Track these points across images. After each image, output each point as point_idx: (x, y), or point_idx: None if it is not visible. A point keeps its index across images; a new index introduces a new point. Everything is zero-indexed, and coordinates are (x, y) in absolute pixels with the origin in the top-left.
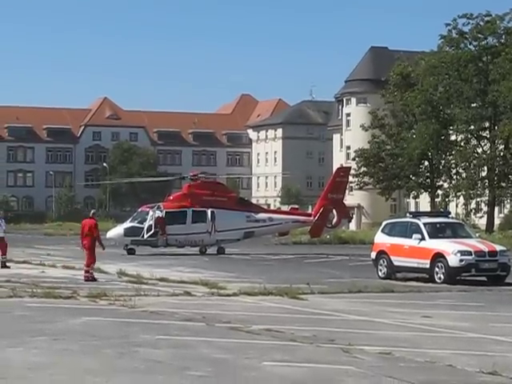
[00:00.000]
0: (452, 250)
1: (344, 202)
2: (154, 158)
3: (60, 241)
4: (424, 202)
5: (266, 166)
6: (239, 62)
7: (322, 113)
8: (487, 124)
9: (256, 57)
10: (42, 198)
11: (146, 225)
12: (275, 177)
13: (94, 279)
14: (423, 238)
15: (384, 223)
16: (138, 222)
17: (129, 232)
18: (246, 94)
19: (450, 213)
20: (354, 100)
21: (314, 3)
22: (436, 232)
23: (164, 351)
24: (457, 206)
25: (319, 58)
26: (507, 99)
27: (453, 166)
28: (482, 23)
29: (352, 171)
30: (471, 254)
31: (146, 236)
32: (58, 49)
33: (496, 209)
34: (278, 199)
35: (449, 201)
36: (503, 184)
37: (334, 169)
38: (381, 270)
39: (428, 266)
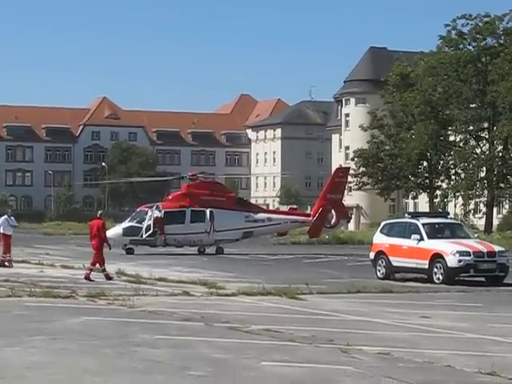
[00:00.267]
0: (451, 250)
1: (343, 202)
2: (152, 157)
3: (59, 240)
4: (423, 202)
5: (265, 166)
6: (238, 62)
7: (321, 113)
8: (486, 124)
9: (255, 57)
10: (40, 197)
11: (145, 224)
12: (274, 177)
13: (90, 280)
14: (422, 239)
15: (383, 223)
16: (137, 222)
17: (127, 232)
18: (245, 94)
19: (448, 213)
20: (353, 100)
21: (314, 3)
22: (435, 232)
23: (163, 351)
24: (455, 206)
25: (318, 58)
26: (506, 100)
27: (451, 166)
28: (481, 24)
29: (351, 171)
30: (470, 255)
31: (144, 236)
32: (58, 48)
33: (495, 209)
34: (277, 199)
35: (447, 201)
36: (502, 185)
37: (333, 169)
38: (379, 271)
39: (426, 266)
